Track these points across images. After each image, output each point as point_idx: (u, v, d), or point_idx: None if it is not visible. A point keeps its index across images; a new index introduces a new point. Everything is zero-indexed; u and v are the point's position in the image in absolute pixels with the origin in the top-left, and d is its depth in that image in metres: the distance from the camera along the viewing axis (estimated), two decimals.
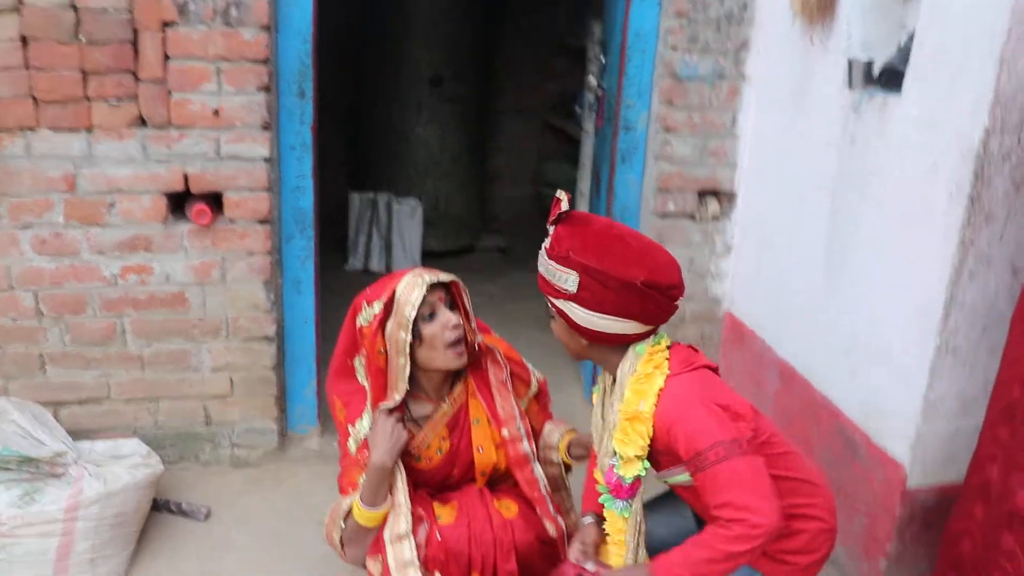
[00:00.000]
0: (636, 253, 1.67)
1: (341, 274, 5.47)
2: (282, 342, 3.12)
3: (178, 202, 2.86)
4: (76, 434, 2.81)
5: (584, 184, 5.59)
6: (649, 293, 1.63)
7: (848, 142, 2.57)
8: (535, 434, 2.26)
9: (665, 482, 1.84)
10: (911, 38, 2.30)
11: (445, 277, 2.05)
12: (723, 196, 3.31)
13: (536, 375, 2.34)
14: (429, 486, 2.20)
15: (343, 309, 2.04)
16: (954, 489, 2.35)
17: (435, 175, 5.66)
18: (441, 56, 5.39)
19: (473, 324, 2.14)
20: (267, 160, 2.81)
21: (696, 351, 1.77)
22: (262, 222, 2.87)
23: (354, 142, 5.87)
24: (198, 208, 2.78)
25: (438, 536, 2.01)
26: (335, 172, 6.12)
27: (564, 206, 1.72)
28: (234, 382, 3.06)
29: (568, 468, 2.31)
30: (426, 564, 2.00)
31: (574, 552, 1.94)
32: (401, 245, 5.52)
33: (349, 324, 2.12)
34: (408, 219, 5.52)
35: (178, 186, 2.78)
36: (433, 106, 5.47)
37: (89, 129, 2.67)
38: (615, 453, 1.73)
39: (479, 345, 2.17)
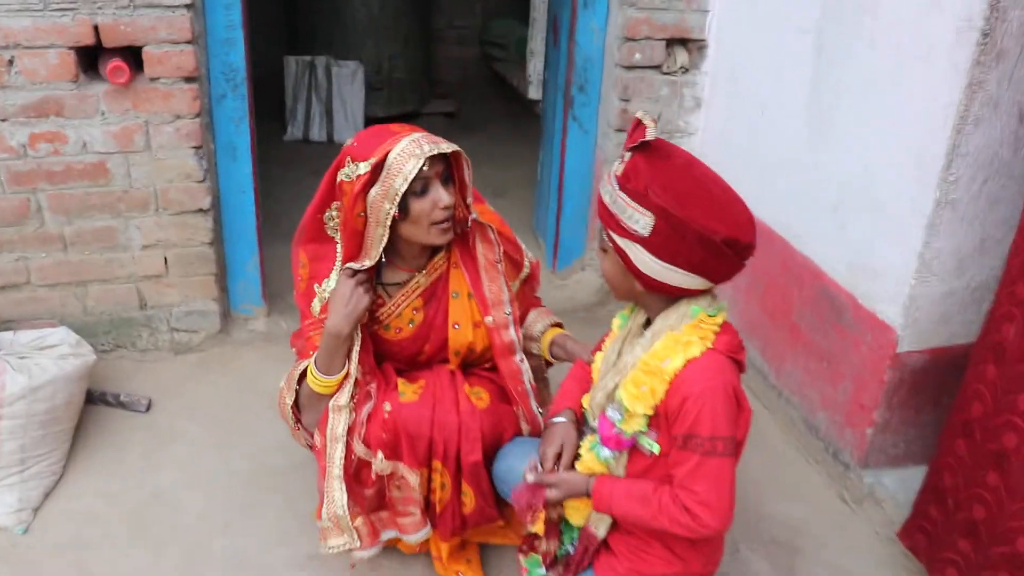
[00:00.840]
0: (719, 204, 1.46)
1: (280, 144, 5.16)
2: (219, 215, 2.86)
3: (91, 59, 2.53)
4: None
5: (536, 42, 5.28)
6: (725, 251, 1.45)
7: None
8: (520, 320, 2.08)
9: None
10: None
11: (447, 147, 1.75)
12: (692, 45, 3.06)
13: (529, 256, 2.13)
14: (398, 361, 2.01)
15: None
16: (945, 352, 2.25)
17: (376, 35, 5.30)
18: None
19: (469, 199, 1.89)
20: (189, 7, 2.47)
21: (742, 347, 1.60)
22: (188, 80, 2.55)
23: (288, 1, 5.43)
24: (113, 65, 2.45)
25: (386, 413, 1.84)
26: (269, 34, 5.70)
27: (650, 133, 1.46)
28: (168, 260, 2.80)
29: (549, 364, 2.15)
30: (367, 442, 1.84)
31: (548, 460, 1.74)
32: (343, 112, 5.19)
33: (329, 177, 1.84)
34: (349, 84, 5.17)
35: (88, 39, 2.43)
36: None
37: None
38: (620, 403, 1.59)
39: (471, 221, 1.94)
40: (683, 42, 3.05)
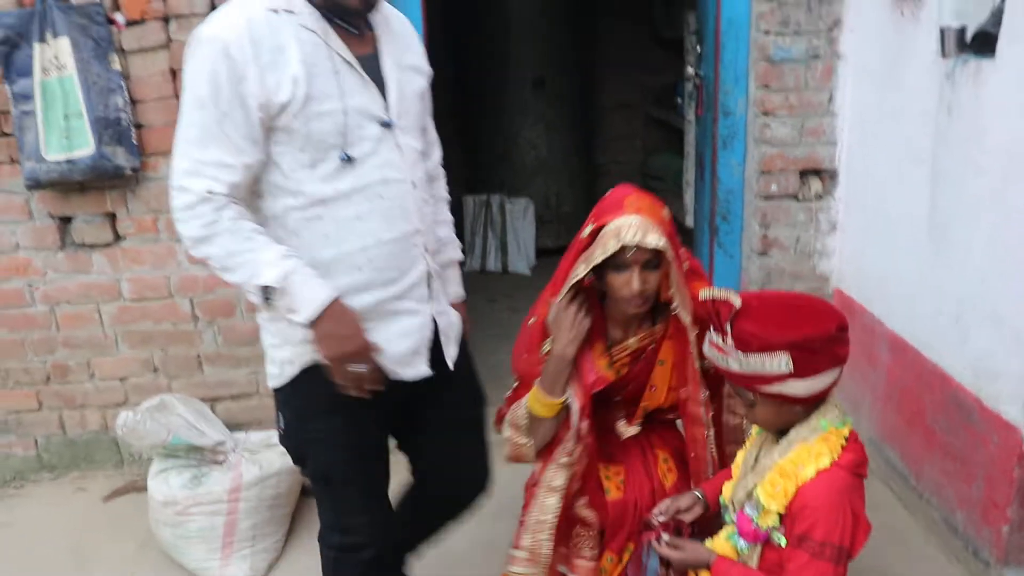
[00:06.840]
0: (809, 308, 1.79)
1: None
2: None
3: None
4: (231, 426, 3.11)
5: (690, 174, 5.65)
6: (842, 335, 1.74)
7: (944, 111, 2.60)
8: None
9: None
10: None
11: (652, 241, 1.87)
12: (825, 174, 3.34)
13: None
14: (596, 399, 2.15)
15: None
16: None
17: (544, 174, 5.79)
18: (542, 55, 5.53)
19: (671, 291, 1.98)
20: None
21: (865, 461, 1.81)
22: None
23: (467, 146, 6.04)
24: None
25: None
26: (452, 176, 6.28)
27: (736, 301, 1.73)
28: None
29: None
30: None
31: (664, 507, 2.02)
32: (516, 244, 5.67)
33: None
34: (521, 219, 5.67)
35: None
36: (538, 107, 5.62)
37: None
38: (757, 501, 1.83)
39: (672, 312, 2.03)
40: (816, 172, 3.34)
